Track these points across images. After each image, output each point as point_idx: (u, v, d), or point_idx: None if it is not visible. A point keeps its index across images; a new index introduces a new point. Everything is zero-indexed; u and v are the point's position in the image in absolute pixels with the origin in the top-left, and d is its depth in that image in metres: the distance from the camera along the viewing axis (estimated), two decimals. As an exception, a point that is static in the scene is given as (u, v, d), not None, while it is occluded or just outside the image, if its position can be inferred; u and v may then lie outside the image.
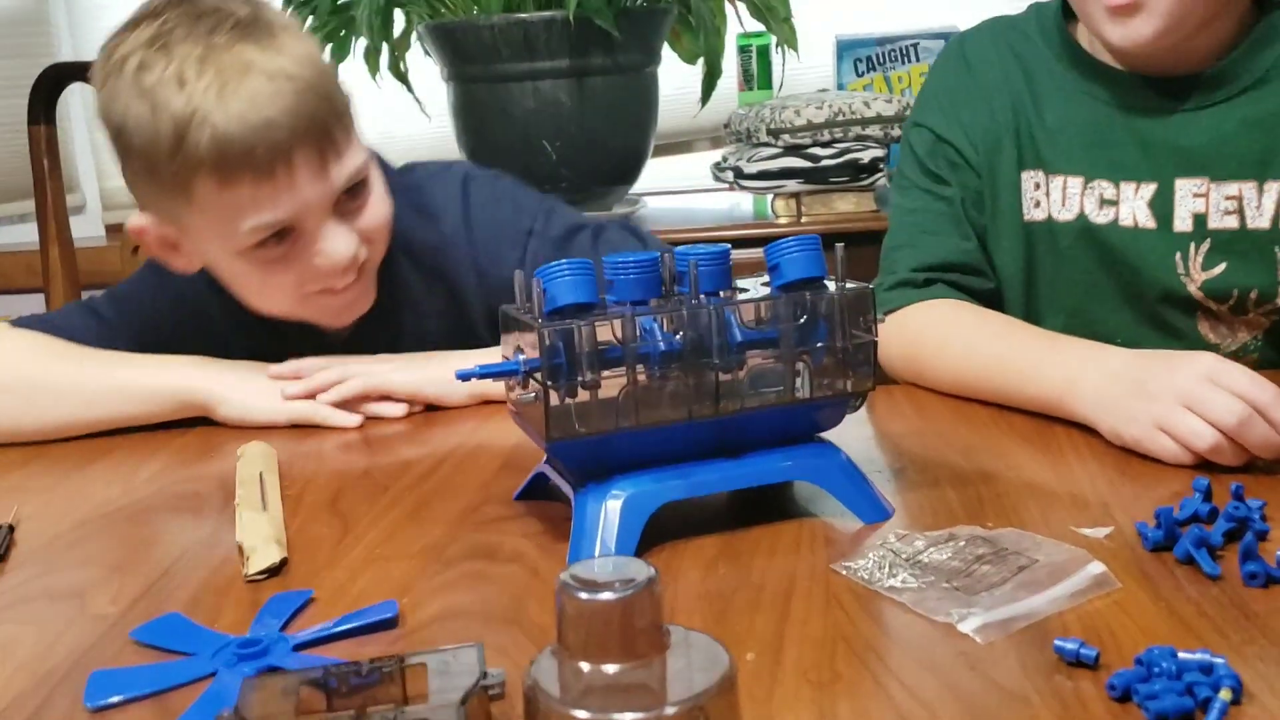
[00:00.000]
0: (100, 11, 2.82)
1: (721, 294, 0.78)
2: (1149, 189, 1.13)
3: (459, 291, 1.22)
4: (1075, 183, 1.17)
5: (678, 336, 0.76)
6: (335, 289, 1.10)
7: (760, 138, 2.04)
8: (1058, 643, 0.61)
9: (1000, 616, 0.66)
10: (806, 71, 2.42)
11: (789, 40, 2.14)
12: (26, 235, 2.51)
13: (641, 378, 0.76)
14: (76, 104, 2.83)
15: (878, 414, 1.05)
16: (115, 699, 0.63)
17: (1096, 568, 0.70)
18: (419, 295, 1.22)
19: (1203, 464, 0.86)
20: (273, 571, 0.78)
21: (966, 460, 0.92)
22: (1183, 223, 1.13)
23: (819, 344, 0.79)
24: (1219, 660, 0.58)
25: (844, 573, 0.73)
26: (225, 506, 0.91)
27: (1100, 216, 1.16)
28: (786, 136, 2.02)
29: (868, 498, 0.81)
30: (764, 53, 2.34)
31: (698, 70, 2.13)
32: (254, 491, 0.89)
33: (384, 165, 1.19)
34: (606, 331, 0.75)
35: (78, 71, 2.01)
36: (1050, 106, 1.18)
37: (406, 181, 1.23)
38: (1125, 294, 1.17)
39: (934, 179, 1.22)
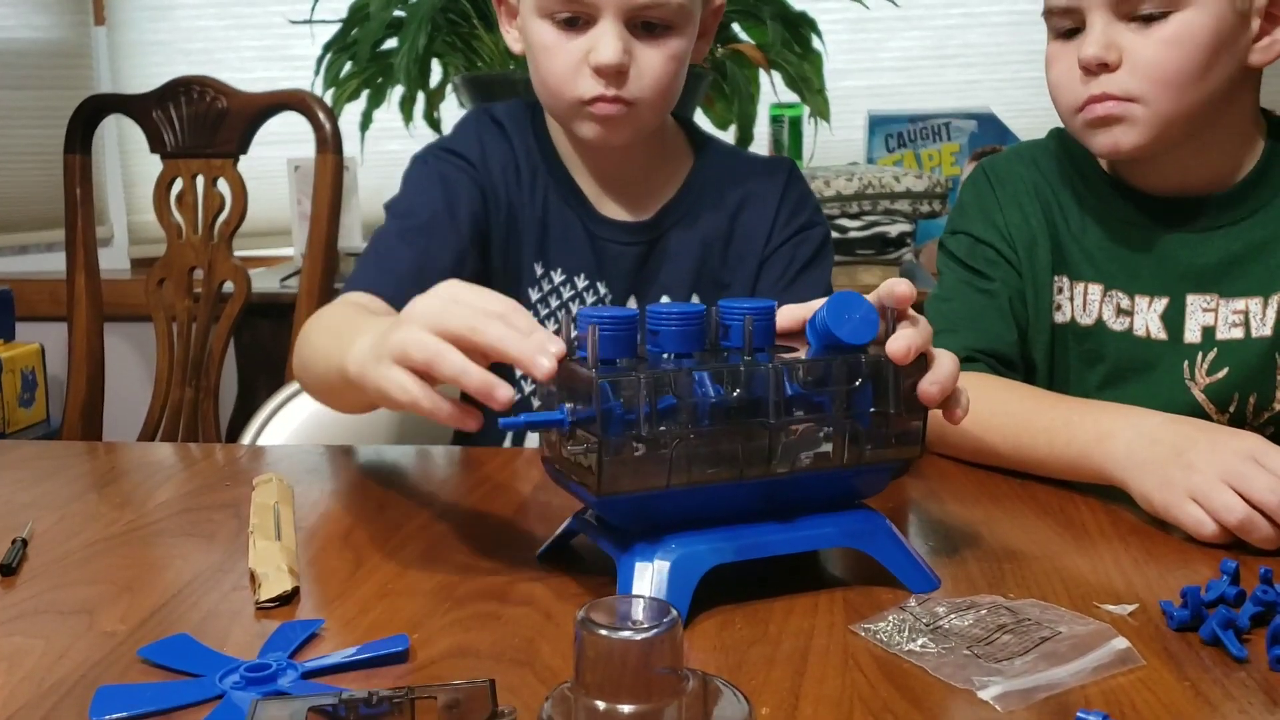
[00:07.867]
0: (139, 47, 2.86)
1: (768, 350, 0.77)
2: (1161, 303, 1.17)
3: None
4: (1095, 290, 1.20)
5: (733, 393, 0.74)
6: (604, 96, 1.13)
7: (788, 206, 2.05)
8: (1080, 715, 0.60)
9: (1021, 686, 0.64)
10: (837, 144, 2.44)
11: (822, 111, 2.16)
12: (52, 264, 2.53)
13: (694, 434, 0.73)
14: (111, 138, 2.87)
15: (898, 483, 1.04)
16: (120, 715, 0.62)
17: (1120, 643, 0.69)
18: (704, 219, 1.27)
19: (1227, 545, 0.86)
20: (283, 600, 0.78)
21: (988, 532, 0.91)
22: (1192, 334, 1.17)
23: (871, 408, 0.77)
24: (1247, 741, 0.57)
25: (863, 634, 0.72)
26: (238, 533, 0.90)
27: (1116, 324, 1.19)
28: (814, 206, 2.03)
29: (917, 568, 0.80)
30: (796, 123, 2.36)
31: (729, 136, 2.15)
32: (268, 520, 0.89)
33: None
34: (661, 385, 0.72)
35: (115, 104, 2.04)
36: (1073, 216, 1.22)
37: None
38: (1131, 398, 1.18)
39: (975, 274, 1.23)
